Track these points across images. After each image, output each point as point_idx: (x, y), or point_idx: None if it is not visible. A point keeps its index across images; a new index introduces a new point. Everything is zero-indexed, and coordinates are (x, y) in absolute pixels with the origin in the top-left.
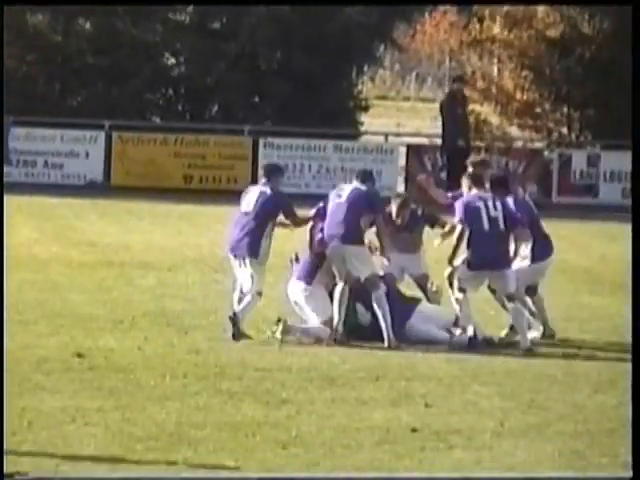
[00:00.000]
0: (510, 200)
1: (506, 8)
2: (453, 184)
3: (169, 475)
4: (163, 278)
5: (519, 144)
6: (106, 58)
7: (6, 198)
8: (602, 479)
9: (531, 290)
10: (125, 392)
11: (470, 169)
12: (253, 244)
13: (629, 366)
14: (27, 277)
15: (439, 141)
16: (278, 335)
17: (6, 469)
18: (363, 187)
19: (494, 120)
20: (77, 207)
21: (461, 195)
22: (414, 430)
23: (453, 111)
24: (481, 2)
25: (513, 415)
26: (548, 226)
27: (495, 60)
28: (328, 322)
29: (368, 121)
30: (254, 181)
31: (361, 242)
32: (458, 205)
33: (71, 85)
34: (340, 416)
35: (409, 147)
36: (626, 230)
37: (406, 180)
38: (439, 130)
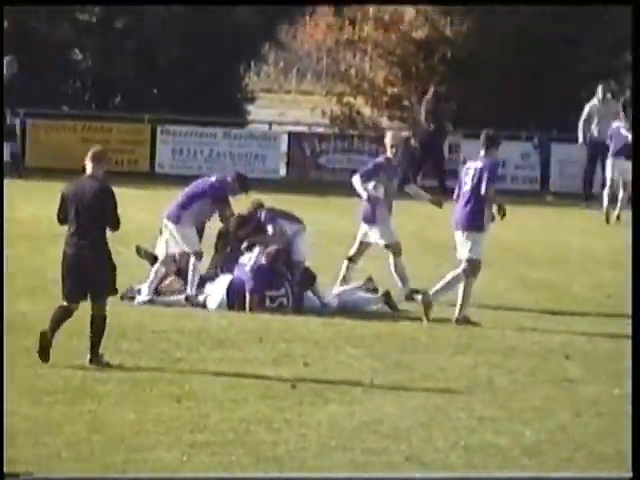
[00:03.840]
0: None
1: (373, 12)
2: (422, 164)
3: (168, 475)
4: None
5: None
6: (21, 53)
7: None
8: (602, 479)
9: None
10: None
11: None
12: None
13: (490, 331)
14: None
15: (317, 129)
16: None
17: (6, 469)
18: None
19: (366, 111)
20: None
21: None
22: (294, 386)
23: (433, 105)
24: (468, 3)
25: (382, 374)
26: (414, 207)
27: (367, 58)
28: None
29: (254, 111)
30: (152, 163)
31: None
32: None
33: None
34: (228, 374)
35: (290, 134)
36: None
37: (287, 164)
38: (317, 119)
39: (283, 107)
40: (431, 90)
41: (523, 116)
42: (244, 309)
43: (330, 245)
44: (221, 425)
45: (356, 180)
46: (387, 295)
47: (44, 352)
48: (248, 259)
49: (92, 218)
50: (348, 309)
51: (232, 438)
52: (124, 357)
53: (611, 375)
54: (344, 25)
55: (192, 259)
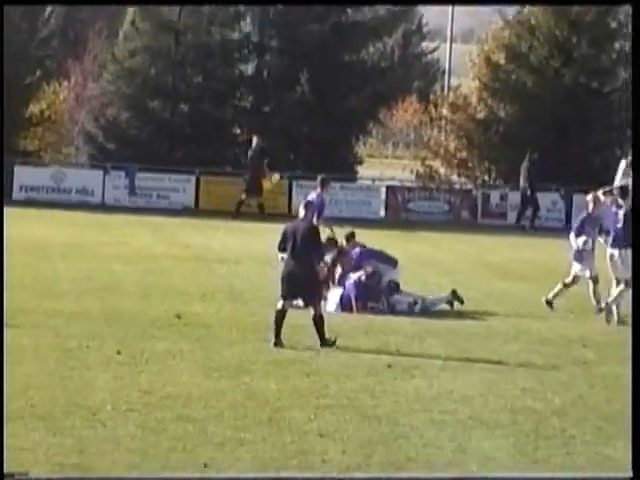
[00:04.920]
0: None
1: (451, 99)
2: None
3: (171, 475)
4: (232, 268)
5: (457, 186)
6: (197, 130)
7: (132, 217)
8: (602, 479)
9: None
10: (207, 340)
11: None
12: None
13: (530, 326)
14: (146, 267)
15: (407, 183)
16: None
17: (7, 468)
18: None
19: (442, 170)
20: (178, 223)
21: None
22: (389, 366)
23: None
24: (481, 3)
25: (452, 357)
26: (475, 239)
27: (443, 132)
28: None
29: (361, 171)
30: (289, 207)
31: None
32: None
33: (175, 146)
34: (344, 357)
35: (388, 187)
36: (525, 241)
37: (386, 208)
38: (406, 176)
39: (382, 168)
40: (527, 158)
41: (554, 174)
42: (352, 311)
43: (415, 266)
44: (338, 393)
45: (572, 237)
46: (454, 292)
47: (278, 342)
48: (354, 275)
49: (304, 248)
50: (428, 310)
51: (346, 402)
52: (269, 345)
53: (621, 359)
54: (426, 109)
55: None
